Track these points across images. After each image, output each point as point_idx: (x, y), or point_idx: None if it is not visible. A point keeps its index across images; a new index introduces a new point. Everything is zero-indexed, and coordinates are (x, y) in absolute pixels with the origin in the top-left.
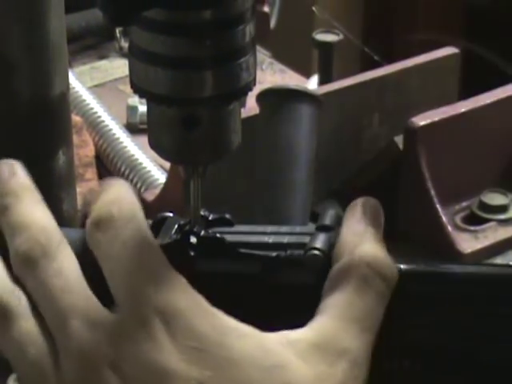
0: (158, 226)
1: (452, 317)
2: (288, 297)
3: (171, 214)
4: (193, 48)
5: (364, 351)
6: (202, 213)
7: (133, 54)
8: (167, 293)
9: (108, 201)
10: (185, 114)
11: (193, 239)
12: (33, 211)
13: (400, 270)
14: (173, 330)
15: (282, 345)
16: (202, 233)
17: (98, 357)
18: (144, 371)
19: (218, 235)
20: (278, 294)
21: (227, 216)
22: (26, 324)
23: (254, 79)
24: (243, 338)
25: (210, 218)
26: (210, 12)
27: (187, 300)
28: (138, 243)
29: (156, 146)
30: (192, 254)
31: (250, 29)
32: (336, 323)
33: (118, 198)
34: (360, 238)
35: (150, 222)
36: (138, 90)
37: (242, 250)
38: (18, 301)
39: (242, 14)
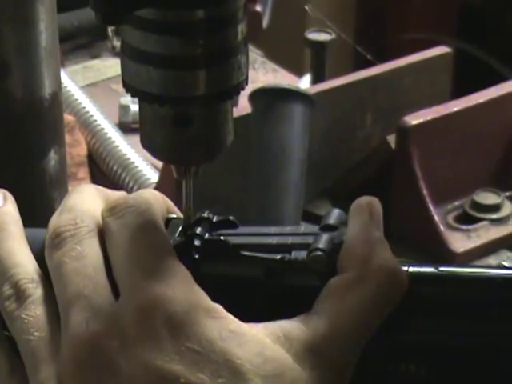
0: None
1: (459, 321)
2: (292, 298)
3: (175, 216)
4: (185, 47)
5: (352, 363)
6: (205, 215)
7: (125, 53)
8: (171, 288)
9: (126, 194)
10: (177, 113)
11: (197, 242)
12: (84, 197)
13: (406, 272)
14: (174, 329)
15: (280, 344)
16: (207, 236)
17: (93, 348)
18: (140, 369)
19: (222, 238)
20: (281, 295)
21: (231, 218)
22: (36, 309)
23: (247, 78)
24: (244, 344)
25: (215, 220)
26: (203, 11)
27: (191, 297)
28: (149, 235)
29: (148, 145)
30: (196, 256)
31: (241, 28)
32: (334, 331)
33: (137, 193)
34: (371, 247)
35: None
36: (130, 89)
37: (246, 253)
38: (35, 286)
39: (234, 13)
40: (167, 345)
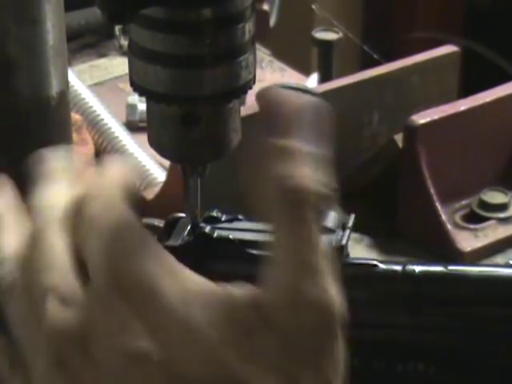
0: (170, 227)
1: (466, 319)
2: None
3: (183, 215)
4: (192, 46)
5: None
6: (214, 214)
7: (132, 53)
8: (138, 267)
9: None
10: (184, 113)
11: (206, 241)
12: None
13: (414, 271)
14: (138, 304)
15: (248, 310)
16: (215, 234)
17: (67, 338)
18: (111, 354)
19: (230, 237)
20: None
21: (240, 217)
22: (20, 302)
23: (254, 77)
24: (209, 306)
25: (223, 219)
26: (210, 10)
27: (156, 267)
28: (112, 218)
29: (155, 144)
30: (204, 255)
31: (249, 27)
32: None
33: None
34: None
35: (161, 222)
36: (137, 88)
37: (255, 252)
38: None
39: (242, 12)
40: (135, 324)
